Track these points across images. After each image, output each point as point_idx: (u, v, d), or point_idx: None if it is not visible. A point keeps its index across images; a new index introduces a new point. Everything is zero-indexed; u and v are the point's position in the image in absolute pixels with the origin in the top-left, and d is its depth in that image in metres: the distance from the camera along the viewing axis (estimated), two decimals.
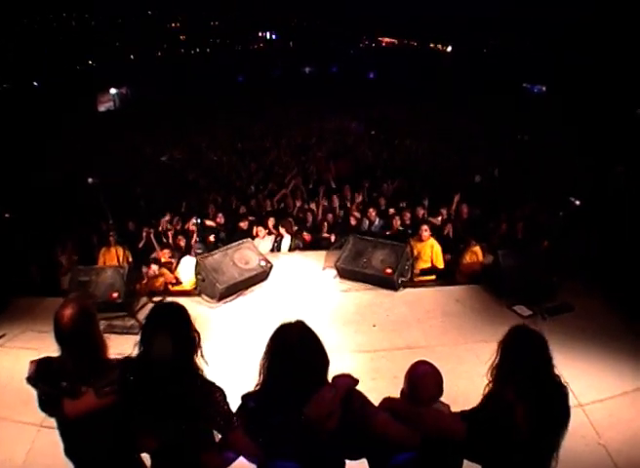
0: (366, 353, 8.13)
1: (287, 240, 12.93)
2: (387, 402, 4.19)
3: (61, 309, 4.19)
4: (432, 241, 11.55)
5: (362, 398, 3.96)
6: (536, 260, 10.05)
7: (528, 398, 3.68)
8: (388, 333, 8.21)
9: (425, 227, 11.57)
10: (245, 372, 6.28)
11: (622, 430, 6.39)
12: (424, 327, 7.44)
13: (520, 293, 9.30)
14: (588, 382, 7.07)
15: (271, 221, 13.41)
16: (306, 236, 13.27)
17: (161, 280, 11.40)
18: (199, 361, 3.92)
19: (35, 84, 56.10)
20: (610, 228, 11.47)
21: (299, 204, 15.39)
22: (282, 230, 12.99)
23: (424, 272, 11.45)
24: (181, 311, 3.98)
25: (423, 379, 4.09)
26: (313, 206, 15.07)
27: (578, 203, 10.95)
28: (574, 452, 5.88)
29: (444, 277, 11.33)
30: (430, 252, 11.50)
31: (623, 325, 8.56)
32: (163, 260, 11.91)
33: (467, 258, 11.30)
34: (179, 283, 11.59)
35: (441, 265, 11.57)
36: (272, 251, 12.75)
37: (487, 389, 4.07)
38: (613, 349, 7.80)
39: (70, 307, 4.19)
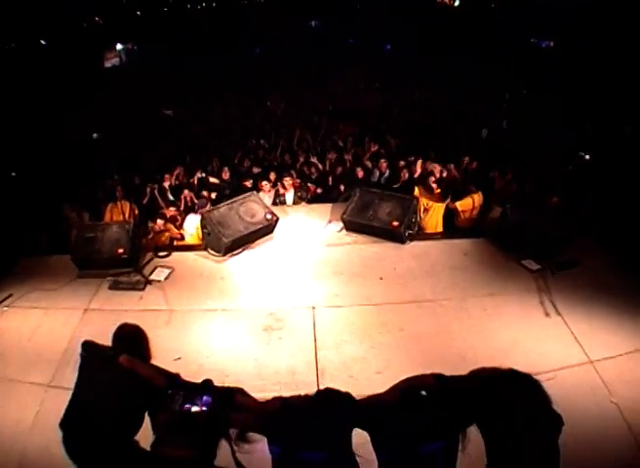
0: (373, 306, 8.08)
1: (290, 193, 12.87)
2: None
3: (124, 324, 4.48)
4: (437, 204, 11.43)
5: None
6: (544, 215, 9.94)
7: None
8: (395, 286, 8.13)
9: (433, 178, 11.53)
10: (252, 325, 6.24)
11: (635, 388, 6.33)
12: (432, 280, 7.38)
13: (528, 248, 9.22)
14: (598, 339, 7.04)
15: (273, 175, 13.41)
16: (311, 187, 13.26)
17: (167, 235, 11.33)
18: None
19: (42, 42, 55.90)
20: (618, 185, 11.40)
21: (302, 158, 15.32)
22: (286, 183, 12.91)
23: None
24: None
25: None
26: (316, 160, 14.99)
27: (587, 157, 10.88)
28: (585, 410, 5.85)
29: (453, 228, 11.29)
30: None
31: (633, 282, 8.45)
32: (169, 216, 11.82)
33: (463, 203, 11.29)
34: (183, 238, 11.47)
35: (440, 228, 11.43)
36: (275, 204, 12.58)
37: None
38: (622, 306, 7.76)
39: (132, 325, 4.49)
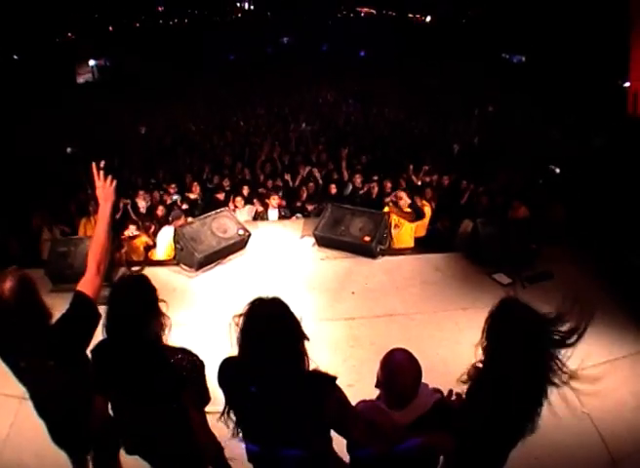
0: (344, 321, 8.11)
1: (274, 211, 12.93)
2: (363, 408, 3.90)
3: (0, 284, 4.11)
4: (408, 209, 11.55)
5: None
6: (514, 228, 10.08)
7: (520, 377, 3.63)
8: (367, 301, 8.16)
9: (401, 195, 11.55)
10: (223, 341, 6.23)
11: (606, 399, 6.36)
12: (403, 294, 7.46)
13: (499, 262, 9.30)
14: (571, 351, 7.09)
15: (246, 190, 13.52)
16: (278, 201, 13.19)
17: (139, 242, 11.40)
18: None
19: (15, 57, 55.81)
20: (586, 196, 11.56)
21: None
22: (273, 201, 12.94)
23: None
24: (147, 283, 3.96)
25: (400, 370, 3.71)
26: (288, 177, 15.20)
27: (557, 171, 11.00)
28: (558, 420, 5.88)
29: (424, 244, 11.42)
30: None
31: (603, 292, 8.57)
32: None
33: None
34: (155, 245, 11.55)
35: (422, 233, 11.83)
36: (255, 219, 12.74)
37: (477, 365, 3.94)
38: (595, 317, 7.80)
39: (9, 280, 4.10)
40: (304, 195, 13.84)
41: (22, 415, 5.85)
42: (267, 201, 12.98)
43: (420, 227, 11.74)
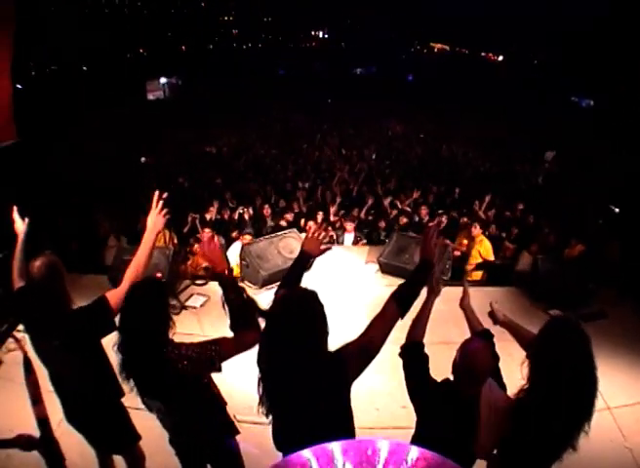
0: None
1: (350, 235, 13.08)
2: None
3: (32, 261, 4.57)
4: (481, 237, 12.06)
5: None
6: (572, 266, 10.18)
7: (563, 389, 3.75)
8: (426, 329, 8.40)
9: (475, 224, 12.09)
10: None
11: None
12: (461, 324, 7.67)
13: (556, 298, 9.35)
14: (618, 387, 7.19)
15: (320, 216, 13.66)
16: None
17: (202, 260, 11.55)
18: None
19: (84, 68, 56.69)
20: None
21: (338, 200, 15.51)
22: (348, 226, 13.11)
23: (477, 267, 11.95)
24: (157, 287, 4.19)
25: (475, 353, 4.12)
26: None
27: (617, 211, 11.05)
28: (600, 453, 6.02)
29: (495, 272, 11.66)
30: (480, 247, 11.98)
31: None
32: (204, 237, 12.09)
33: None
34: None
35: (491, 258, 12.01)
36: (330, 243, 12.67)
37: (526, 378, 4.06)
38: None
39: (40, 260, 4.55)
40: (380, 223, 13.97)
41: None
42: (345, 225, 13.19)
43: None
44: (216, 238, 4.19)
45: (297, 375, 3.68)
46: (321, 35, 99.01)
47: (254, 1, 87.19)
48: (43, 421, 4.56)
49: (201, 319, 8.96)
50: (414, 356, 4.57)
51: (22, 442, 4.45)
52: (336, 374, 3.84)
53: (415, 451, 2.24)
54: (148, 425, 4.88)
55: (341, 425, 3.86)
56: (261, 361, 3.81)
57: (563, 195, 16.72)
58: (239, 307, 4.15)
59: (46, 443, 4.60)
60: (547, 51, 63.31)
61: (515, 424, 3.97)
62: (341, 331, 8.39)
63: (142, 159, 10.26)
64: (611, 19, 44.30)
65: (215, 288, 8.64)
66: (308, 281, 9.37)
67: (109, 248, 11.98)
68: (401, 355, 4.58)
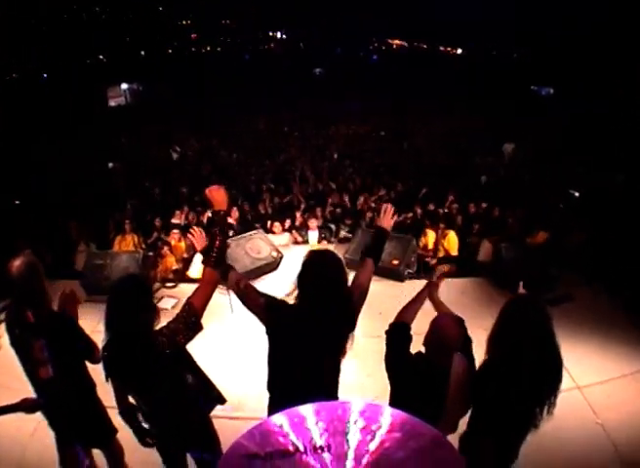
0: (371, 338, 8.42)
1: (315, 233, 13.29)
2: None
3: (11, 262, 4.65)
4: (448, 231, 12.31)
5: None
6: (536, 253, 10.43)
7: (529, 358, 3.91)
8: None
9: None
10: (255, 357, 6.62)
11: (620, 410, 6.70)
12: (429, 316, 7.87)
13: (522, 285, 9.52)
14: (587, 366, 7.39)
15: (288, 221, 13.78)
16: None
17: (168, 262, 11.76)
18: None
19: (44, 75, 56.45)
20: (607, 221, 11.82)
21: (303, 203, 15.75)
22: (311, 224, 13.33)
23: (441, 260, 11.91)
24: (140, 282, 4.31)
25: (444, 327, 4.41)
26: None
27: (577, 195, 11.23)
28: (572, 431, 6.19)
29: (460, 265, 11.66)
30: (444, 241, 12.26)
31: (622, 313, 8.97)
32: (173, 243, 12.30)
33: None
34: (184, 267, 11.94)
35: (454, 253, 12.17)
36: (297, 243, 13.19)
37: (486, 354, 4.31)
38: (611, 336, 8.19)
39: (19, 260, 4.66)
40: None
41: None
42: (308, 223, 13.37)
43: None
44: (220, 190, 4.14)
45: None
46: (279, 36, 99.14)
47: (211, 4, 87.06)
48: (47, 382, 4.63)
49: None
50: (399, 333, 4.81)
51: (27, 404, 4.59)
52: (348, 320, 4.62)
53: (388, 411, 2.38)
54: None
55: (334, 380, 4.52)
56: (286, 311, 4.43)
57: (524, 184, 16.99)
58: (219, 246, 4.35)
59: (50, 403, 4.75)
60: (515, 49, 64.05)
61: (475, 398, 4.23)
62: None
63: (110, 165, 10.28)
64: (609, 24, 44.93)
65: (185, 289, 8.72)
66: (274, 279, 9.55)
67: (80, 253, 12.06)
68: (387, 331, 4.87)
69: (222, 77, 54.89)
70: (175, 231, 12.48)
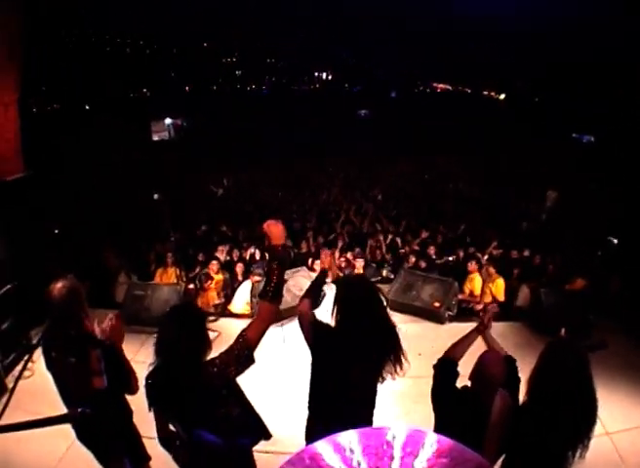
0: (410, 378, 8.51)
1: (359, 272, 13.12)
2: None
3: (53, 284, 4.83)
4: (496, 276, 12.17)
5: None
6: (575, 299, 10.41)
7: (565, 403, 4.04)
8: (432, 362, 8.63)
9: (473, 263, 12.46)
10: (299, 389, 6.75)
11: None
12: (467, 358, 7.97)
13: (559, 330, 9.54)
14: (617, 413, 7.41)
15: (328, 254, 13.73)
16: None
17: (212, 295, 11.90)
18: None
19: (87, 107, 56.67)
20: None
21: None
22: (357, 264, 13.31)
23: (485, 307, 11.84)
24: (194, 311, 4.38)
25: (490, 364, 4.61)
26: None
27: (616, 242, 11.24)
28: None
29: (506, 309, 11.72)
30: (492, 285, 12.10)
31: None
32: (215, 278, 12.31)
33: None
34: (225, 301, 12.06)
35: (501, 298, 12.00)
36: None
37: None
38: None
39: (61, 283, 4.83)
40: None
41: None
42: (353, 262, 13.36)
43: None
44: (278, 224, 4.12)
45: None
46: (324, 77, 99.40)
47: (257, 43, 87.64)
48: (100, 393, 4.69)
49: (213, 354, 9.14)
50: (447, 369, 5.11)
51: (75, 416, 4.62)
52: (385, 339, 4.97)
53: (433, 436, 2.48)
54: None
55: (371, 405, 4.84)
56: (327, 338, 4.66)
57: (564, 231, 17.00)
58: (276, 281, 4.24)
59: (100, 415, 4.69)
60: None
61: (511, 439, 4.27)
62: None
63: (155, 196, 10.47)
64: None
65: (226, 323, 8.90)
66: (320, 316, 9.71)
67: (120, 284, 12.22)
68: (435, 366, 5.21)
69: (266, 115, 55.11)
70: (214, 262, 12.50)
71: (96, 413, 4.62)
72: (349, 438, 2.54)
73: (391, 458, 2.37)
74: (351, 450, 2.45)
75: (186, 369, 3.98)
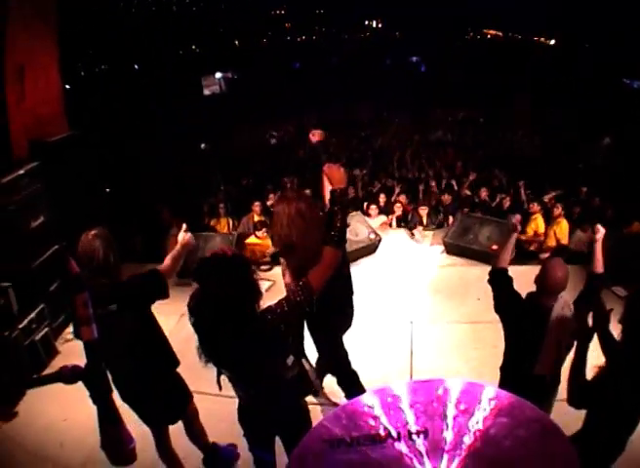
0: (469, 324, 8.47)
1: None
2: None
3: (84, 234, 4.82)
4: (561, 218, 12.29)
5: None
6: (633, 242, 10.17)
7: None
8: (491, 306, 8.47)
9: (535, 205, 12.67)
10: (352, 335, 6.65)
11: None
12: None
13: (617, 275, 9.14)
14: None
15: (382, 198, 13.99)
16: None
17: (266, 243, 11.73)
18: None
19: (136, 67, 56.84)
20: None
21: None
22: (422, 211, 13.58)
23: (554, 249, 11.93)
24: (237, 259, 4.05)
25: (551, 266, 4.97)
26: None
27: None
28: None
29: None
30: (557, 228, 12.19)
31: None
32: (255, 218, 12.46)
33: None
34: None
35: (565, 241, 12.07)
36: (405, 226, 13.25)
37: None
38: None
39: (91, 233, 4.81)
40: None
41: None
42: (419, 211, 13.54)
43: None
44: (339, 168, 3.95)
45: None
46: (375, 25, 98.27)
47: None
48: (90, 345, 4.40)
49: (267, 303, 9.09)
50: (499, 278, 5.38)
51: (66, 373, 4.29)
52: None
53: (490, 392, 2.33)
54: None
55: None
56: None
57: (619, 176, 16.72)
58: (339, 226, 4.17)
59: (92, 370, 4.39)
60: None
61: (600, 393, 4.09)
62: (409, 310, 8.56)
63: (202, 145, 10.41)
64: None
65: (279, 272, 8.89)
66: (376, 265, 9.62)
67: (172, 236, 12.06)
68: (489, 281, 5.46)
69: (318, 65, 54.80)
70: (257, 203, 12.65)
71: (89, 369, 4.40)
72: (400, 391, 2.41)
73: (443, 418, 2.25)
74: (401, 408, 2.32)
75: (233, 320, 3.85)
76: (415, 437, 2.17)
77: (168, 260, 5.50)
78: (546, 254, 11.62)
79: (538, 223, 12.40)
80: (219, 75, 47.48)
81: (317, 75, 47.56)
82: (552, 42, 77.78)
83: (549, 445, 2.12)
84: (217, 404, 5.30)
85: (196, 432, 5.82)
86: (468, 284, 9.70)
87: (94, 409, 4.32)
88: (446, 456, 2.10)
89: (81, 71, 49.75)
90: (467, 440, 2.12)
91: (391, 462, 2.11)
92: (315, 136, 6.38)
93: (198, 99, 40.95)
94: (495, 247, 10.33)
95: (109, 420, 4.53)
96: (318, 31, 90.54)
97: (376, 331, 8.44)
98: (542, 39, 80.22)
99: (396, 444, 2.15)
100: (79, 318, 4.45)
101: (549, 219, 12.63)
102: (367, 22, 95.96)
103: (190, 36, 69.87)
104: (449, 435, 2.15)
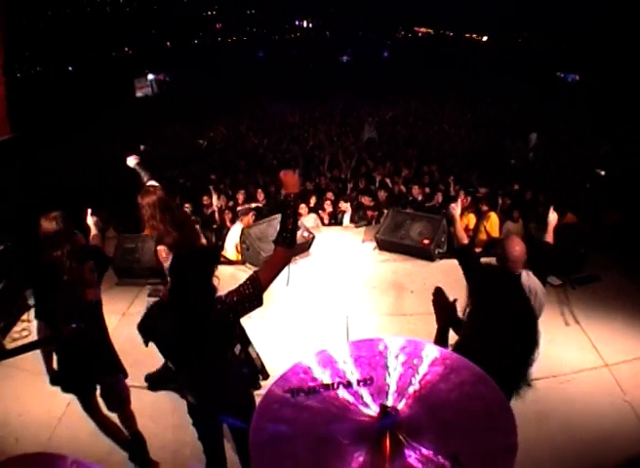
0: (403, 316, 8.55)
1: (348, 214, 13.45)
2: None
3: (43, 219, 5.01)
4: (490, 213, 12.31)
5: None
6: (565, 233, 10.33)
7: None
8: (425, 300, 8.53)
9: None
10: (289, 330, 6.69)
11: None
12: (459, 294, 8.03)
13: (550, 265, 9.51)
14: (615, 345, 7.43)
15: (313, 199, 14.01)
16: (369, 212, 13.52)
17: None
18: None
19: (70, 68, 56.56)
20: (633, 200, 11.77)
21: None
22: (342, 206, 13.54)
23: (481, 245, 11.81)
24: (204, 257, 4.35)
25: (511, 243, 5.44)
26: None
27: (602, 173, 11.17)
28: (599, 409, 6.24)
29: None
30: (487, 222, 12.21)
31: None
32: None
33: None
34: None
35: (496, 234, 12.03)
36: (331, 224, 13.41)
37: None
38: (638, 314, 8.13)
39: (51, 215, 5.04)
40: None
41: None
42: (340, 205, 13.62)
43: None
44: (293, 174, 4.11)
45: None
46: (305, 25, 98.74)
47: None
48: (92, 308, 5.01)
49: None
50: (463, 252, 5.93)
51: (69, 331, 4.70)
52: None
53: (429, 346, 2.45)
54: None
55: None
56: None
57: (551, 168, 17.00)
58: (291, 228, 4.31)
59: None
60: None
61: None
62: (343, 306, 8.62)
63: (141, 147, 10.36)
64: None
65: (218, 271, 8.80)
66: (309, 262, 9.65)
67: (109, 239, 12.08)
68: (455, 255, 5.98)
69: (248, 66, 54.91)
70: (187, 205, 12.83)
71: (87, 328, 4.87)
72: (341, 350, 2.52)
73: (385, 368, 2.37)
74: (344, 362, 2.44)
75: (196, 304, 4.05)
76: (360, 385, 2.28)
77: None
78: (479, 249, 11.78)
79: (469, 218, 12.49)
80: (151, 77, 47.42)
81: (250, 76, 47.69)
82: (485, 39, 78.91)
83: (479, 387, 2.32)
84: (163, 396, 5.23)
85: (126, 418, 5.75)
86: (401, 278, 9.88)
87: (50, 404, 4.38)
88: (391, 398, 2.26)
89: (17, 73, 49.24)
90: (409, 385, 2.25)
91: (346, 404, 2.22)
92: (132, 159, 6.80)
93: (131, 101, 40.85)
94: (426, 241, 10.49)
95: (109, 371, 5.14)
96: (249, 32, 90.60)
97: (313, 326, 8.46)
98: (475, 36, 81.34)
99: (346, 390, 2.26)
100: (86, 281, 4.92)
101: (480, 214, 12.69)
102: (297, 23, 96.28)
103: (123, 37, 69.52)
104: (392, 381, 2.30)
